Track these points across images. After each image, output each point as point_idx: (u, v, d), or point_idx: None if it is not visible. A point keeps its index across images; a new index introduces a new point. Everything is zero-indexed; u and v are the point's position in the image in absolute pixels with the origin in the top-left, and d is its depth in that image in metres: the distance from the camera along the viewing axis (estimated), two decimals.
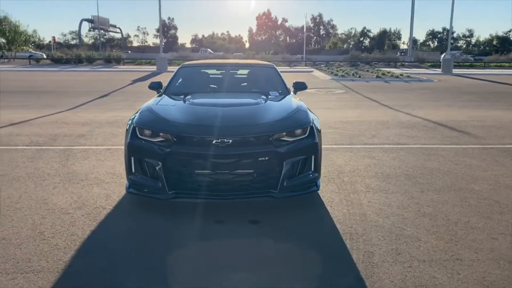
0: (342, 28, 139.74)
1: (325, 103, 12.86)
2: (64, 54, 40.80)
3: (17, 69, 29.68)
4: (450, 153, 6.47)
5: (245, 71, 6.13)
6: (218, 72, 5.97)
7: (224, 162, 3.78)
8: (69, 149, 6.53)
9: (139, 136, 4.01)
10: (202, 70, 6.01)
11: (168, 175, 3.82)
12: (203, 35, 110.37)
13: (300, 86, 5.58)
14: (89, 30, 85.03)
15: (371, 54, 52.30)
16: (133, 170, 4.04)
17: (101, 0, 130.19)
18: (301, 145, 4.02)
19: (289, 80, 5.82)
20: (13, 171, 5.31)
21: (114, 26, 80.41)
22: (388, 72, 25.72)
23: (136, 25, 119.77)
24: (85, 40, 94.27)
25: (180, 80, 5.65)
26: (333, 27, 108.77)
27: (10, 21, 42.94)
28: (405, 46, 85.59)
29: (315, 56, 48.63)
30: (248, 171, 3.85)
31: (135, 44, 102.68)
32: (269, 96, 4.94)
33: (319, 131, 4.33)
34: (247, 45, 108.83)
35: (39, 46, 67.68)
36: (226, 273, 2.95)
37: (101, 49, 66.80)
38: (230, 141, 3.79)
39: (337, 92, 16.00)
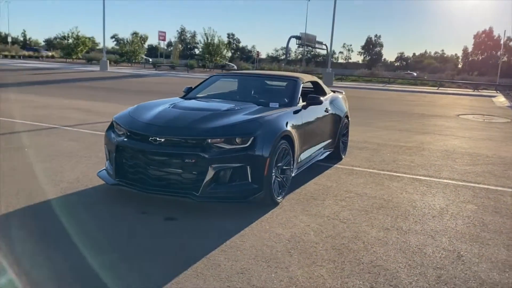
0: None
1: (463, 131, 11.24)
2: (257, 67, 45.42)
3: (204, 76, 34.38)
4: None
5: (267, 83, 6.21)
6: (241, 82, 6.22)
7: (155, 159, 4.14)
8: None
9: (114, 129, 4.68)
10: (227, 80, 6.36)
11: (116, 164, 4.38)
12: (413, 53, 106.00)
13: (312, 101, 5.36)
14: (298, 47, 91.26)
15: None
16: (107, 157, 4.75)
17: (312, 19, 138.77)
18: (236, 154, 4.07)
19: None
20: (78, 151, 6.63)
21: (321, 43, 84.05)
22: None
23: (342, 42, 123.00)
24: (295, 55, 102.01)
25: (204, 87, 6.12)
26: None
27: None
28: None
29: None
30: (176, 171, 4.11)
31: (340, 60, 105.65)
32: (260, 106, 4.99)
33: (272, 142, 4.21)
34: (460, 65, 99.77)
35: (252, 60, 76.27)
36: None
37: (306, 64, 71.47)
38: (163, 140, 4.12)
39: (495, 121, 13.70)
